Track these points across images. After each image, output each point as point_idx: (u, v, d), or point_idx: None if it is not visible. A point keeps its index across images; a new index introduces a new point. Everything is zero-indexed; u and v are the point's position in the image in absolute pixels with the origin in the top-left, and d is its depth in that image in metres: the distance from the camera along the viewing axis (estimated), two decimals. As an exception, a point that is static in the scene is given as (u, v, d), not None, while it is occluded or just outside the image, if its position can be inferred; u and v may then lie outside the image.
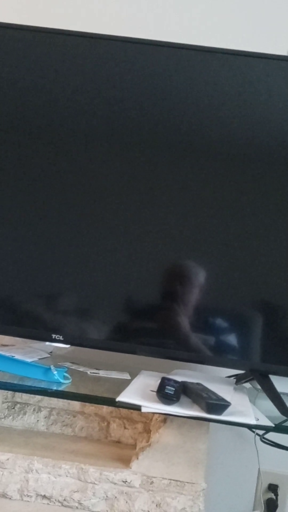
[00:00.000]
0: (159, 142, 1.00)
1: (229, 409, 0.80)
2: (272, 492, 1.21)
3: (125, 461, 0.87)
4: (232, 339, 0.98)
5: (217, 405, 0.80)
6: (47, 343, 1.04)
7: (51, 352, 1.10)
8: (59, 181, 1.01)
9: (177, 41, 1.00)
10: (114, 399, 0.82)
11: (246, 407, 0.86)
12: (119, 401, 0.81)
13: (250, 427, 0.81)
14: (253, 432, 1.13)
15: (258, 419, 0.82)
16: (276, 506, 1.20)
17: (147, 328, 0.99)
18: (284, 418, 0.89)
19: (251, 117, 0.99)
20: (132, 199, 1.00)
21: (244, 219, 0.98)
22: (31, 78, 1.01)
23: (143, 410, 0.80)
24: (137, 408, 0.81)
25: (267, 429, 0.86)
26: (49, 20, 1.25)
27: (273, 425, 0.82)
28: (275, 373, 0.98)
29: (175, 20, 1.29)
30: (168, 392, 0.82)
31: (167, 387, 0.83)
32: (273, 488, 1.21)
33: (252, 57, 1.00)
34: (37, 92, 1.01)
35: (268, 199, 0.98)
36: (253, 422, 0.80)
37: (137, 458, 0.84)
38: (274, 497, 1.21)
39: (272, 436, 1.10)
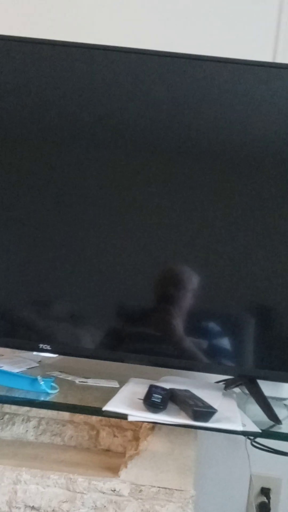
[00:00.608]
0: (151, 148, 1.00)
1: (216, 416, 0.80)
2: (265, 496, 1.21)
3: (115, 470, 0.86)
4: (220, 345, 0.98)
5: (204, 412, 0.80)
6: (35, 353, 1.03)
7: (40, 361, 1.10)
8: (50, 187, 1.01)
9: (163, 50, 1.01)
10: (101, 408, 0.82)
11: (233, 413, 0.86)
12: (105, 411, 0.81)
13: (237, 433, 0.81)
14: (244, 436, 1.13)
15: (245, 425, 0.82)
16: (268, 510, 1.20)
17: (137, 334, 0.99)
18: (273, 423, 0.89)
19: (242, 125, 1.00)
20: (124, 204, 1.00)
21: (237, 224, 0.99)
22: (34, 88, 1.01)
23: (130, 419, 0.80)
24: (123, 417, 0.81)
25: (255, 435, 0.86)
26: (49, 32, 1.26)
27: (260, 431, 0.82)
28: (264, 378, 0.98)
29: (159, 30, 1.29)
30: (154, 400, 0.82)
31: (154, 395, 0.83)
32: (265, 491, 1.21)
33: (243, 65, 1.00)
34: (38, 102, 1.01)
35: (259, 204, 0.99)
36: (239, 428, 0.80)
37: (126, 467, 0.84)
38: (266, 500, 1.21)
39: (263, 439, 1.10)
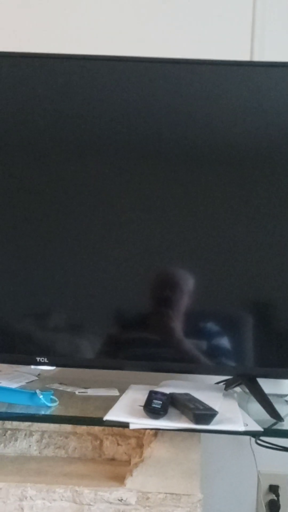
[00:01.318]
0: (144, 154, 1.00)
1: (217, 417, 0.80)
2: (273, 493, 1.21)
3: (121, 479, 0.86)
4: (218, 345, 0.98)
5: (205, 415, 0.79)
6: (33, 366, 1.03)
7: (39, 375, 1.09)
8: (45, 197, 1.01)
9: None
10: (102, 418, 0.81)
11: (234, 414, 0.86)
12: (106, 420, 0.81)
13: (238, 434, 0.81)
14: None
15: (247, 425, 0.82)
16: (278, 507, 1.20)
17: (135, 339, 0.99)
18: (274, 420, 0.89)
19: (230, 124, 1.00)
20: (118, 211, 1.00)
21: (231, 223, 0.99)
22: (35, 100, 1.02)
23: (131, 426, 0.80)
24: (125, 425, 0.80)
25: (257, 434, 0.86)
26: (47, 45, 1.26)
27: (262, 430, 0.82)
28: (264, 375, 0.98)
29: (137, 33, 1.29)
30: (155, 406, 0.82)
31: (154, 401, 0.83)
32: (274, 489, 1.21)
33: (228, 66, 1.01)
34: (40, 113, 1.01)
35: (253, 202, 0.99)
36: (241, 428, 0.80)
37: (131, 475, 0.83)
38: (275, 498, 1.21)
39: (267, 437, 1.10)
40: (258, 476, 1.21)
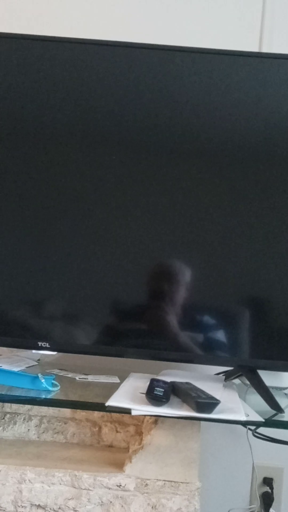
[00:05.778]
0: (144, 145, 1.00)
1: (219, 407, 0.80)
2: (267, 486, 1.22)
3: (119, 465, 0.86)
4: (218, 336, 0.98)
5: (207, 403, 0.80)
6: (34, 351, 1.03)
7: (38, 360, 1.09)
8: (43, 185, 1.00)
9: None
10: (104, 404, 0.81)
11: (236, 404, 0.86)
12: (108, 406, 0.81)
13: (240, 423, 0.81)
14: (245, 427, 1.13)
15: (248, 415, 0.82)
16: (272, 499, 1.20)
17: (134, 330, 0.99)
18: (274, 412, 0.89)
19: (233, 117, 1.00)
20: (116, 201, 0.99)
21: (229, 215, 0.98)
22: (32, 85, 1.00)
23: (133, 413, 0.80)
24: (127, 411, 0.80)
25: (258, 425, 0.86)
26: (46, 28, 1.26)
27: (263, 420, 0.82)
28: (263, 368, 0.99)
29: (143, 21, 1.29)
30: (157, 393, 0.82)
31: (156, 388, 0.83)
32: (268, 481, 1.22)
33: (237, 56, 1.00)
34: (38, 99, 1.00)
35: (250, 197, 0.99)
36: (243, 418, 0.80)
37: (130, 461, 0.84)
38: (269, 490, 1.21)
39: (264, 429, 1.10)
40: (253, 468, 1.21)
